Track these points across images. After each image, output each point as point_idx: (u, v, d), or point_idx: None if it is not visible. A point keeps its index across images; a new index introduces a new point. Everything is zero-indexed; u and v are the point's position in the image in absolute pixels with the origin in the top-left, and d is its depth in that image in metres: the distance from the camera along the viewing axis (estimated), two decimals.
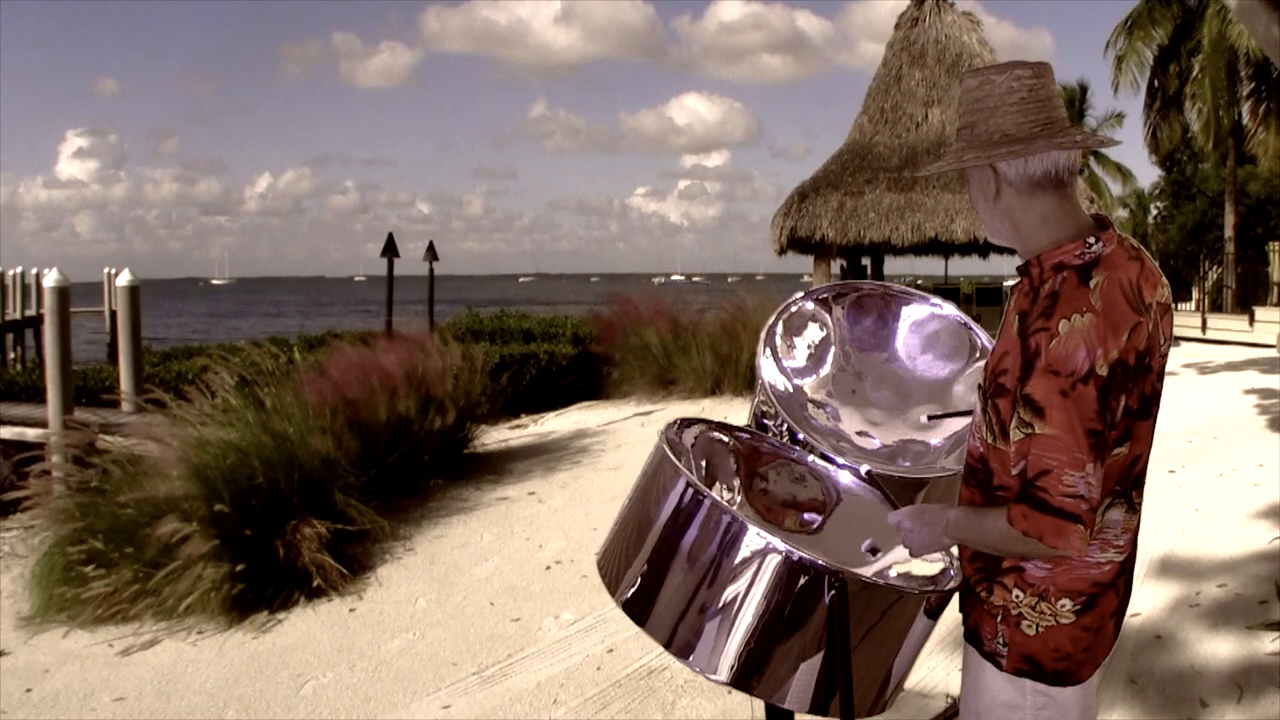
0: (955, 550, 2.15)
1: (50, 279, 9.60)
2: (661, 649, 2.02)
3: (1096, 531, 1.85)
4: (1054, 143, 1.81)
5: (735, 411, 9.54)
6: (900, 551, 2.22)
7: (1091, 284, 1.76)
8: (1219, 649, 4.10)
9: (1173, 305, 1.96)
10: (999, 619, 1.92)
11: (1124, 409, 1.77)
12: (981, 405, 1.92)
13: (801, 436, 2.52)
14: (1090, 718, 2.02)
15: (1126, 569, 1.94)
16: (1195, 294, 23.24)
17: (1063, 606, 1.88)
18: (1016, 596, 1.90)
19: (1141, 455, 1.87)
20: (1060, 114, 1.85)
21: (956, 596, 2.06)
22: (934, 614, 2.07)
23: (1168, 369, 1.95)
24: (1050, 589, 1.87)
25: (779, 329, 2.74)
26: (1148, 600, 4.63)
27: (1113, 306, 1.75)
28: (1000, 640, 1.93)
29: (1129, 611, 2.02)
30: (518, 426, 11.16)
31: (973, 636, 2.00)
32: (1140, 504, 1.92)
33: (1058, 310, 1.74)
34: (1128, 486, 1.88)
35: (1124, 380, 1.74)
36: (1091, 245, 1.81)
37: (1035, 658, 1.90)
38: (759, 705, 2.19)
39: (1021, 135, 1.82)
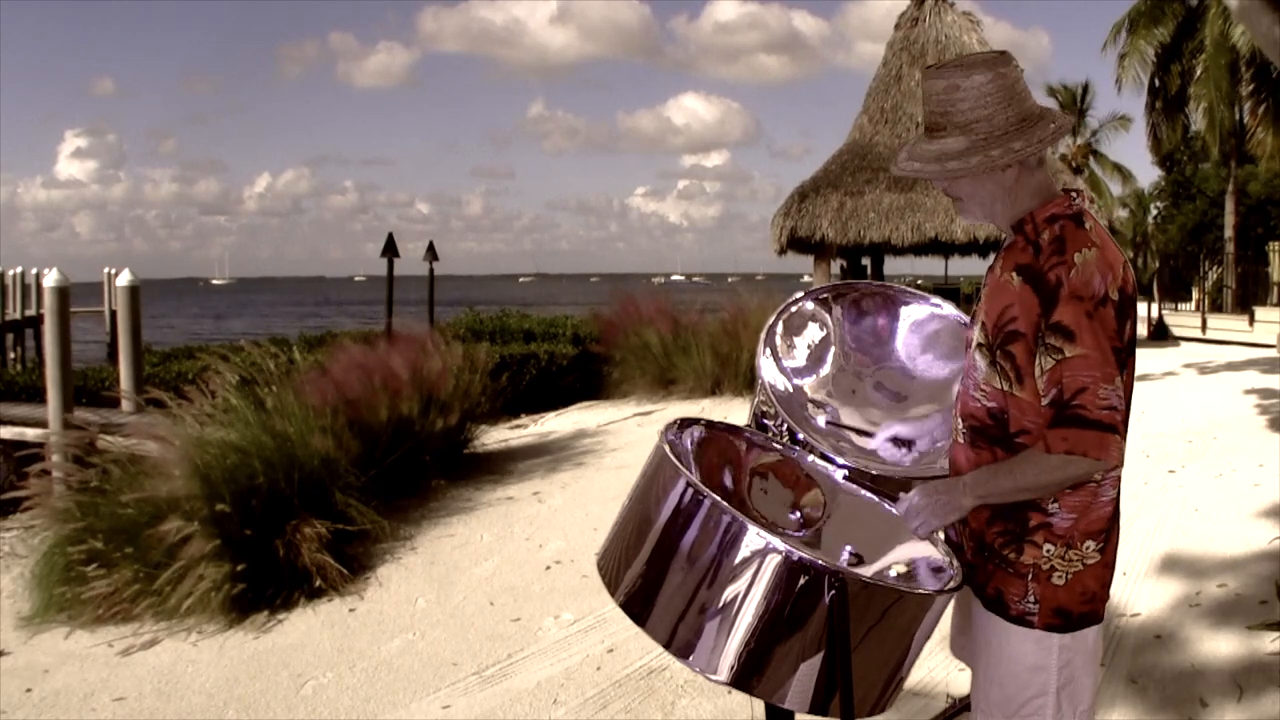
0: (962, 551, 2.15)
1: (50, 279, 9.59)
2: (661, 649, 2.02)
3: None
4: (1056, 128, 1.96)
5: (735, 411, 9.54)
6: (900, 551, 2.22)
7: (1087, 227, 1.97)
8: (1219, 648, 4.10)
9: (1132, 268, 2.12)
10: (1029, 578, 2.00)
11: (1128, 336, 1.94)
12: (990, 360, 2.01)
13: (801, 436, 2.52)
14: (1098, 658, 2.11)
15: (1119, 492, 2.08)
16: (1195, 294, 23.22)
17: (1088, 549, 1.99)
18: (1047, 551, 1.99)
19: (1129, 394, 2.01)
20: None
21: (968, 577, 2.10)
22: (937, 613, 2.07)
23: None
24: (1075, 535, 1.98)
25: (779, 329, 2.74)
26: (1148, 600, 4.62)
27: (1107, 245, 1.96)
28: (1031, 598, 2.00)
29: (1129, 611, 2.06)
30: (518, 426, 11.16)
31: (996, 604, 2.05)
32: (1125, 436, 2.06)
33: (1068, 247, 1.93)
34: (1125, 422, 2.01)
35: (1127, 307, 1.92)
36: (1075, 199, 2.03)
37: (1065, 607, 2.00)
38: (759, 705, 2.19)
39: (1036, 117, 1.98)
